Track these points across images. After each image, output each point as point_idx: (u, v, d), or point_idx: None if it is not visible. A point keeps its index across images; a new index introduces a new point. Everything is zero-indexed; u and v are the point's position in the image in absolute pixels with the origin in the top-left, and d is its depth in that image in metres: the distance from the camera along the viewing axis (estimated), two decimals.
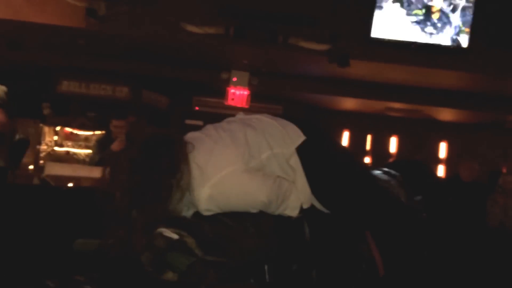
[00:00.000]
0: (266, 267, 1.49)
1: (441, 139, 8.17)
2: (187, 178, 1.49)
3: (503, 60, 5.52)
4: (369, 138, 8.16)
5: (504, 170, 6.73)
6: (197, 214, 1.57)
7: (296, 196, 1.56)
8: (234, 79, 6.71)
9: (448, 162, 8.04)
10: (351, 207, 1.62)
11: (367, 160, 7.95)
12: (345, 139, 8.05)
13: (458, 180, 4.92)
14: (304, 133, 1.61)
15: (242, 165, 1.51)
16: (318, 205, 1.61)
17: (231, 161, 1.51)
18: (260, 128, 1.60)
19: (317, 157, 1.60)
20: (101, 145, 4.82)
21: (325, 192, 1.59)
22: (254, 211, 1.54)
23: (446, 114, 7.74)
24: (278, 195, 1.52)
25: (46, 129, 7.34)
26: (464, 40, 5.59)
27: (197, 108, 7.82)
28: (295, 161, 1.58)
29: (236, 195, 1.50)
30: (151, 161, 1.46)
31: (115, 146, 4.58)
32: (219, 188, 1.48)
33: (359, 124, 8.01)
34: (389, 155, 7.97)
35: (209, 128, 1.65)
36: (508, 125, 7.64)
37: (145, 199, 1.44)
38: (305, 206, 1.58)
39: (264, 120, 1.65)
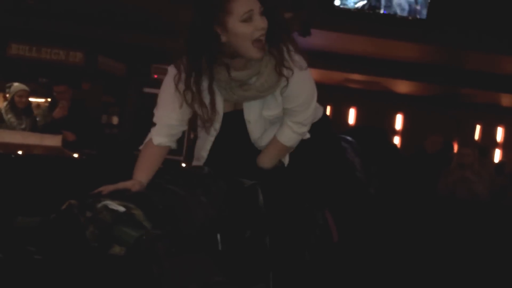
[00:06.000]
0: (218, 236, 1.46)
1: (397, 111, 8.34)
2: None
3: (461, 32, 5.62)
4: (328, 109, 8.24)
5: (456, 143, 6.94)
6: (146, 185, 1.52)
7: None
8: None
9: (403, 133, 8.24)
10: (308, 173, 1.63)
11: None
12: None
13: (422, 152, 5.05)
14: None
15: None
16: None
17: None
18: None
19: None
20: (45, 112, 4.67)
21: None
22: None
23: (402, 87, 7.88)
24: None
25: None
26: (423, 12, 5.66)
27: (155, 76, 7.61)
28: None
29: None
30: None
31: (56, 113, 4.45)
32: None
33: (319, 95, 7.94)
34: (348, 126, 8.08)
35: None
36: (462, 98, 7.85)
37: None
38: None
39: None
